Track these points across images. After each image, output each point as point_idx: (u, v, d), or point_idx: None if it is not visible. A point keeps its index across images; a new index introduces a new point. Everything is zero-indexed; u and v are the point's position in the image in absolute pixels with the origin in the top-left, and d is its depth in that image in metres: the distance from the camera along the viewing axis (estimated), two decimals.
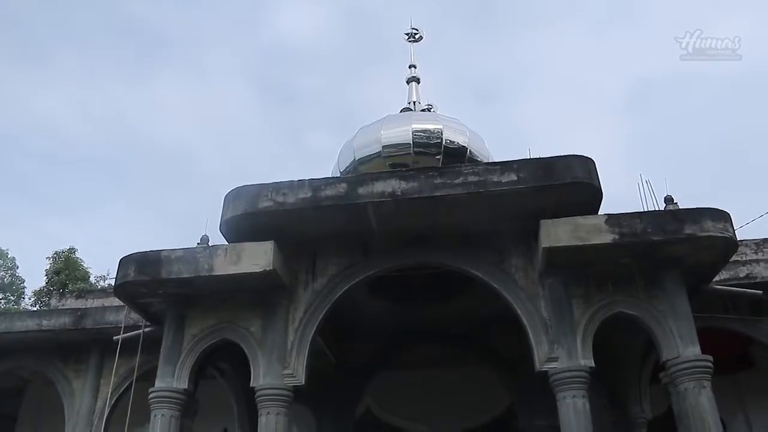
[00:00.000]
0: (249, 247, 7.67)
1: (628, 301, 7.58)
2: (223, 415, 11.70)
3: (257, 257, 7.54)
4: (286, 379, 7.63)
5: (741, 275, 9.64)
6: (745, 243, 11.24)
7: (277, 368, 7.66)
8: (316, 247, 8.18)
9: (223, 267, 7.63)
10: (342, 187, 7.53)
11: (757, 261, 10.20)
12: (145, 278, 7.92)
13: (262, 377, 7.68)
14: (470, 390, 11.91)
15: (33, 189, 56.36)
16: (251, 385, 7.75)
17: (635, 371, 9.95)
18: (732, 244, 7.48)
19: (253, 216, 7.66)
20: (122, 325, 9.64)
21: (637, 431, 9.80)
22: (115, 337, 9.53)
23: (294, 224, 7.79)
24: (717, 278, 8.62)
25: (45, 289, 25.30)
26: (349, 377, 10.93)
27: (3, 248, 28.53)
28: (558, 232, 7.25)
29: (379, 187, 7.41)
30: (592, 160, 7.51)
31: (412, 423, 12.59)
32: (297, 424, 11.70)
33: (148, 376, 8.92)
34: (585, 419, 7.05)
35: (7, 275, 27.74)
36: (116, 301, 10.73)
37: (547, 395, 8.05)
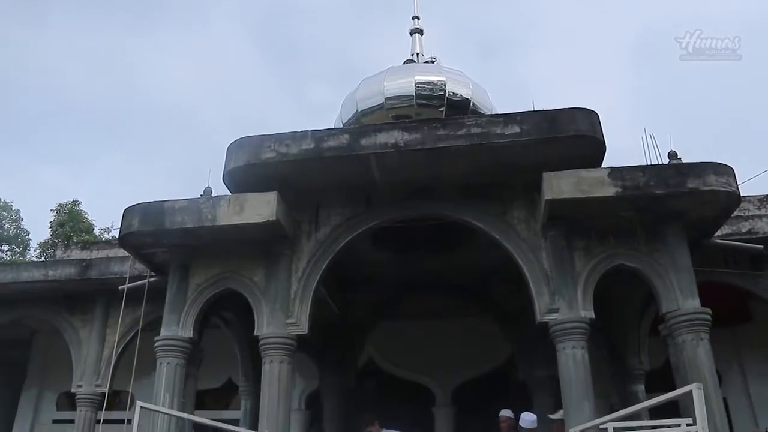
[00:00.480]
0: (252, 197, 7.67)
1: (629, 254, 7.60)
2: (227, 364, 11.91)
3: (260, 207, 7.55)
4: (289, 327, 7.71)
5: (743, 230, 9.65)
6: (748, 199, 11.24)
7: (281, 317, 7.73)
8: (319, 198, 8.18)
9: (227, 217, 7.65)
10: (345, 138, 7.51)
11: (760, 216, 10.19)
12: (149, 228, 7.97)
13: (265, 326, 7.76)
14: (471, 341, 12.06)
15: (32, 141, 56.14)
16: (255, 333, 7.84)
17: (634, 324, 10.06)
18: (735, 199, 7.47)
19: (255, 167, 7.66)
20: (127, 276, 9.72)
21: (635, 382, 9.95)
22: (120, 287, 9.62)
23: (297, 175, 7.79)
24: (719, 233, 8.64)
25: (50, 241, 25.51)
26: (351, 328, 11.05)
27: (7, 201, 28.66)
28: (561, 185, 7.23)
29: (382, 138, 7.38)
30: (596, 113, 7.45)
31: (414, 373, 12.77)
32: (300, 373, 11.92)
33: (153, 326, 9.04)
34: (584, 369, 7.13)
35: (12, 227, 27.92)
36: (121, 253, 10.84)
37: (547, 346, 8.15)
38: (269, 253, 8.04)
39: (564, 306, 7.30)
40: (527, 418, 7.35)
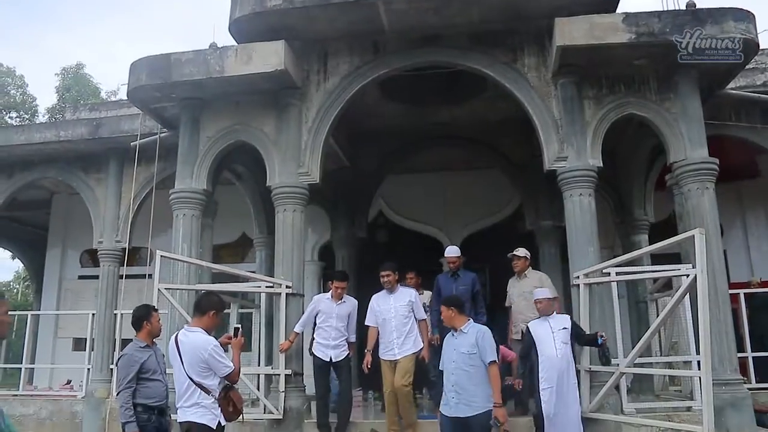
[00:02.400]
0: (259, 47, 7.54)
1: (639, 103, 7.54)
2: (241, 219, 12.26)
3: (268, 57, 7.45)
4: (300, 177, 7.81)
5: (758, 83, 9.48)
6: (766, 52, 10.95)
7: (292, 167, 7.83)
8: (328, 47, 8.03)
9: (235, 68, 7.56)
10: None
11: None
12: (157, 82, 7.90)
13: (277, 176, 7.87)
14: (480, 193, 12.25)
15: (33, 4, 54.36)
16: (267, 184, 7.95)
17: (641, 176, 10.18)
18: (753, 47, 7.24)
19: (262, 15, 7.45)
20: (138, 132, 9.80)
21: (639, 233, 10.24)
22: (132, 143, 9.73)
23: (304, 23, 7.60)
24: (732, 85, 8.52)
25: (57, 106, 25.41)
26: (361, 180, 11.14)
27: (10, 66, 28.28)
28: (573, 31, 7.04)
29: None
30: None
31: (423, 225, 12.98)
32: (313, 227, 12.24)
33: (167, 183, 9.22)
34: (590, 216, 7.25)
35: (17, 94, 27.70)
36: (130, 111, 10.87)
37: (554, 196, 8.30)
38: (279, 104, 8.01)
39: (572, 154, 7.33)
40: (540, 292, 6.95)
